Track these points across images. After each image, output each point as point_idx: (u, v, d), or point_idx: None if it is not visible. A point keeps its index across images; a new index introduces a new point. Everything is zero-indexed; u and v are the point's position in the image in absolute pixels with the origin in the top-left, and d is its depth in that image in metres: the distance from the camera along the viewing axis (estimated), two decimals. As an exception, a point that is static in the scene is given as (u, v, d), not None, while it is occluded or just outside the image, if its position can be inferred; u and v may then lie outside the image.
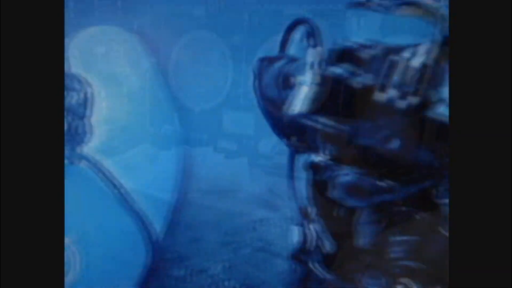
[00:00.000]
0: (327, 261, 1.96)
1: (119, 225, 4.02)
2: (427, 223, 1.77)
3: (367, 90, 1.46)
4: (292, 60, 1.89)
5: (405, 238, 1.81)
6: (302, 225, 2.02)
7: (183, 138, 4.62)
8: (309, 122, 1.52)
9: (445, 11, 1.63)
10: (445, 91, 1.43)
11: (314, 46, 1.64)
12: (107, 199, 3.96)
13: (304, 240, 2.01)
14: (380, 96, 1.43)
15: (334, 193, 1.65)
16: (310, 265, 1.99)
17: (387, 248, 1.83)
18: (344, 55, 1.50)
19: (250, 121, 3.66)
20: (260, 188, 4.39)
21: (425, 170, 1.53)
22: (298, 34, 1.86)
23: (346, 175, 1.61)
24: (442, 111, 1.41)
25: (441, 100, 1.42)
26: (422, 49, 1.44)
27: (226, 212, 4.36)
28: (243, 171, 4.36)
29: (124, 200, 4.01)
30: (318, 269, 1.97)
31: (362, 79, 1.47)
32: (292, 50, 1.96)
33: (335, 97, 1.49)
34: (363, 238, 1.85)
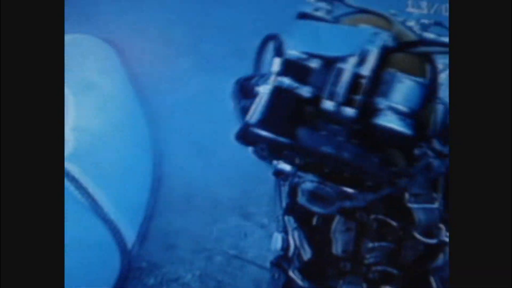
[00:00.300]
0: (306, 268, 1.99)
1: (92, 233, 3.98)
2: (401, 229, 1.80)
3: (316, 99, 1.46)
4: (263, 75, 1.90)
5: (380, 244, 1.84)
6: (285, 232, 2.03)
7: (156, 146, 4.60)
8: (261, 132, 1.54)
9: (397, 18, 1.66)
10: (392, 99, 1.44)
11: (277, 56, 1.66)
12: (80, 207, 3.92)
13: (287, 247, 2.03)
14: (328, 104, 1.44)
15: (302, 200, 1.68)
16: (290, 272, 2.01)
17: (364, 255, 1.86)
18: (292, 65, 1.51)
19: (224, 130, 3.67)
20: (234, 195, 4.40)
21: (379, 177, 1.56)
22: (269, 49, 1.88)
23: (309, 182, 1.64)
24: (390, 118, 1.42)
25: (389, 108, 1.43)
26: (367, 57, 1.44)
27: (199, 219, 4.35)
28: (217, 179, 4.37)
29: (97, 208, 3.97)
30: (297, 277, 1.99)
31: (310, 88, 1.47)
32: (266, 65, 1.98)
33: (285, 106, 1.51)
34: (340, 245, 1.88)
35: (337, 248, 1.87)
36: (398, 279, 1.86)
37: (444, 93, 1.66)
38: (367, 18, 1.60)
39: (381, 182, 1.59)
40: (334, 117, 1.43)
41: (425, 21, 1.81)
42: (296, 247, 2.00)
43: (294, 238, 2.00)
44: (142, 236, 4.34)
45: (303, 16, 1.61)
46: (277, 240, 2.04)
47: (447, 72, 1.70)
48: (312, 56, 1.49)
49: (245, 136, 1.63)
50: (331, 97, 1.43)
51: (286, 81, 1.49)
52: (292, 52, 1.53)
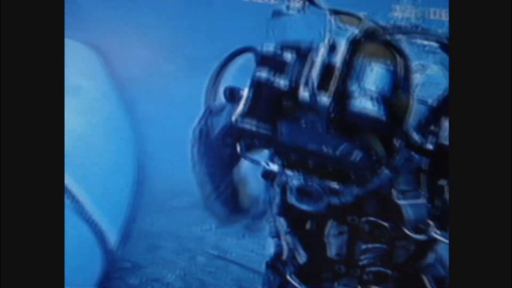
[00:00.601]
0: (303, 272, 1.99)
1: (75, 234, 3.95)
2: (392, 229, 1.81)
3: (293, 90, 1.48)
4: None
5: (374, 245, 1.85)
6: (278, 237, 2.03)
7: (140, 149, 4.58)
8: (245, 125, 1.53)
9: (369, 18, 1.68)
10: (363, 83, 1.45)
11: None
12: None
13: (280, 252, 2.03)
14: (304, 95, 1.45)
15: (291, 199, 1.68)
16: (288, 277, 2.00)
17: (358, 257, 1.87)
18: (269, 59, 1.53)
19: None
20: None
21: (361, 168, 1.56)
22: (241, 60, 1.87)
23: (295, 179, 1.64)
24: (362, 102, 1.44)
25: (360, 92, 1.45)
26: (338, 48, 1.47)
27: (182, 221, 4.34)
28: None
29: (80, 209, 3.94)
30: (295, 281, 1.99)
31: (286, 80, 1.49)
32: (229, 74, 1.97)
33: (265, 99, 1.51)
34: (334, 249, 1.88)
35: (331, 251, 1.88)
36: (392, 279, 1.87)
37: (423, 93, 1.68)
38: (338, 18, 1.62)
39: (364, 174, 1.59)
40: (310, 107, 1.45)
41: (401, 23, 1.83)
42: (290, 250, 2.00)
43: (288, 243, 2.00)
44: (125, 237, 4.31)
45: (277, 13, 1.63)
46: (270, 245, 2.04)
47: (427, 72, 1.72)
48: (286, 48, 1.50)
49: (229, 132, 1.63)
50: (306, 87, 1.45)
51: (264, 74, 1.50)
52: (267, 47, 1.54)
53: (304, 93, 1.45)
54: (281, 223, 2.01)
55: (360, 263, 1.86)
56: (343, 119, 1.45)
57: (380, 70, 1.47)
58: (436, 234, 1.74)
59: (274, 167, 1.68)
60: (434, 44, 1.76)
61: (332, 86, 1.44)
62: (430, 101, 1.68)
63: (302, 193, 1.66)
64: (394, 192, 1.72)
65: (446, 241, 1.73)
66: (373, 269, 1.86)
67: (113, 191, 4.35)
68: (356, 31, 1.51)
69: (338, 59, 1.45)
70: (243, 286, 4.01)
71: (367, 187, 1.64)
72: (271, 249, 2.03)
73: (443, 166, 1.62)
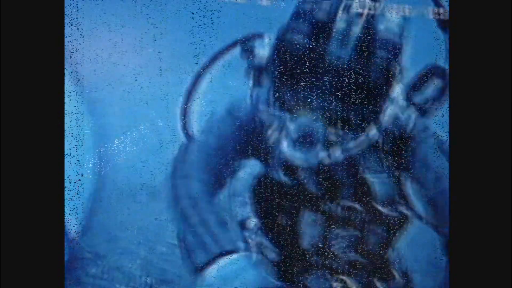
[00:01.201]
0: (276, 268, 1.98)
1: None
2: (365, 211, 1.83)
3: (332, 17, 1.63)
4: None
5: (347, 232, 1.87)
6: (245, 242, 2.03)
7: (100, 142, 4.47)
8: (289, 35, 1.64)
9: None
10: (389, 22, 1.65)
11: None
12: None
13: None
14: (343, 17, 1.62)
15: (287, 148, 1.67)
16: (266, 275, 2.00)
17: (331, 245, 1.88)
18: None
19: (168, 128, 3.63)
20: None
21: (364, 107, 1.62)
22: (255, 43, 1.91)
23: (295, 125, 1.66)
24: (388, 29, 1.63)
25: (386, 24, 1.64)
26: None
27: (141, 213, 4.26)
28: (159, 174, 4.30)
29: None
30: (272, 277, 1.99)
31: (326, 11, 1.64)
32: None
33: (305, 23, 1.62)
34: (307, 239, 1.89)
35: (304, 242, 1.88)
36: (363, 268, 1.89)
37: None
38: None
39: (363, 117, 1.64)
40: (344, 31, 1.60)
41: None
42: (257, 253, 1.99)
43: (256, 243, 1.99)
44: (86, 229, 4.21)
45: None
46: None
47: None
48: None
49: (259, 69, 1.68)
50: (343, 13, 1.63)
51: (307, 6, 1.65)
52: None
53: (341, 16, 1.61)
54: (249, 223, 2.00)
55: (333, 252, 1.87)
56: (369, 40, 1.61)
57: (398, 19, 1.68)
58: (406, 210, 1.80)
59: (275, 111, 1.69)
60: None
61: (364, 17, 1.63)
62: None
63: (302, 136, 1.66)
64: (364, 169, 1.77)
65: (412, 214, 1.81)
66: (345, 258, 1.88)
67: (74, 184, 4.22)
68: None
69: (367, 5, 1.64)
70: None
71: (358, 142, 1.67)
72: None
73: (397, 153, 1.70)
